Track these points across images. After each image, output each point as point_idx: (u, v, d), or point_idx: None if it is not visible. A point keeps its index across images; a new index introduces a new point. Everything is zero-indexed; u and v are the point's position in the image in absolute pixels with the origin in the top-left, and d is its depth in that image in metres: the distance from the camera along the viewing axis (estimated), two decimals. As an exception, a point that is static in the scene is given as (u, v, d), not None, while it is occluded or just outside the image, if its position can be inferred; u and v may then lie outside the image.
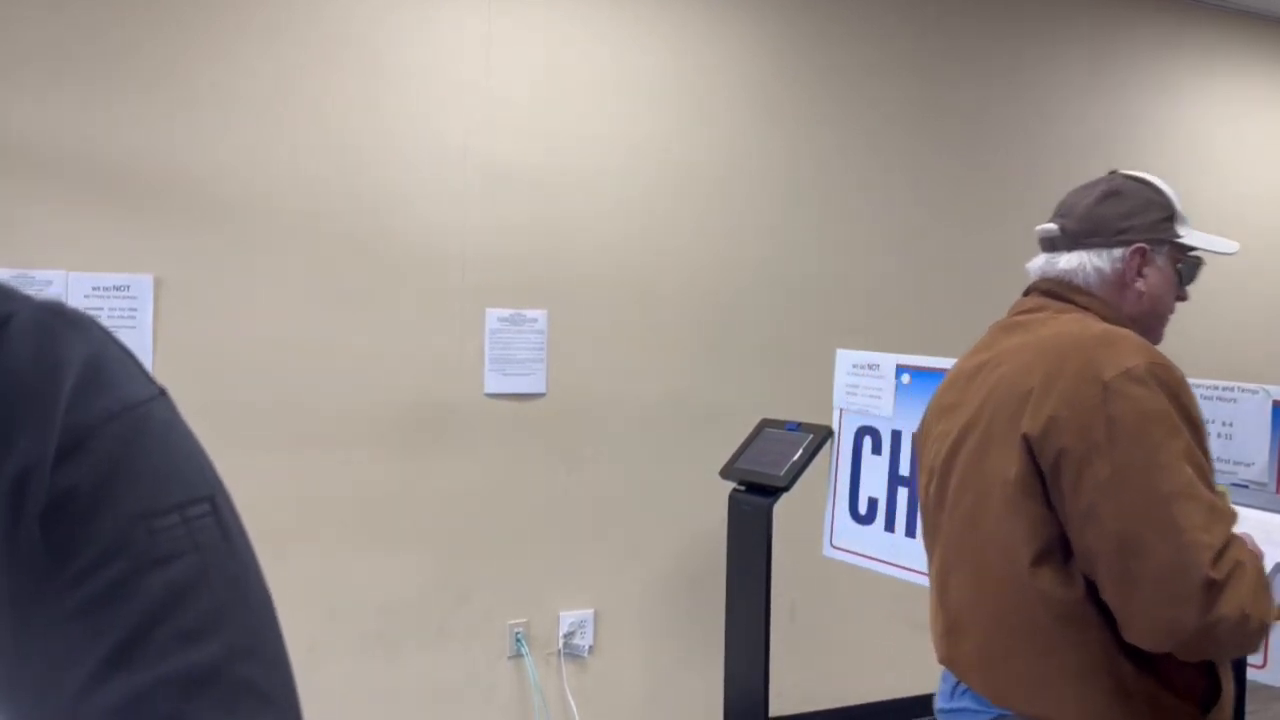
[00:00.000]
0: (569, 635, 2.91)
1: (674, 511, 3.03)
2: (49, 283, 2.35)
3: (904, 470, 2.20)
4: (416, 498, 2.75)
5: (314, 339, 2.64)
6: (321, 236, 2.64)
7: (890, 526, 2.22)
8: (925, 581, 2.15)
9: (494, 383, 2.82)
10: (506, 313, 2.83)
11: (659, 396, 3.02)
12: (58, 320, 0.61)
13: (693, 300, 3.05)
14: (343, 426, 2.66)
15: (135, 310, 2.45)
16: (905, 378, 2.21)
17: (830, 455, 2.36)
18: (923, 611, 3.24)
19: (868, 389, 2.28)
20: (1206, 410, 1.61)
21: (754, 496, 2.37)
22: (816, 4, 3.20)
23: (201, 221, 2.53)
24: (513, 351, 2.83)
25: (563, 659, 2.92)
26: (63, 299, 0.64)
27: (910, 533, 2.18)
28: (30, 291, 0.64)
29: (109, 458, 0.58)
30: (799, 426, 2.43)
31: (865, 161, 3.28)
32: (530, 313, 2.85)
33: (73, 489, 0.56)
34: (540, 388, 2.87)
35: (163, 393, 0.65)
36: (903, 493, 2.20)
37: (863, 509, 2.28)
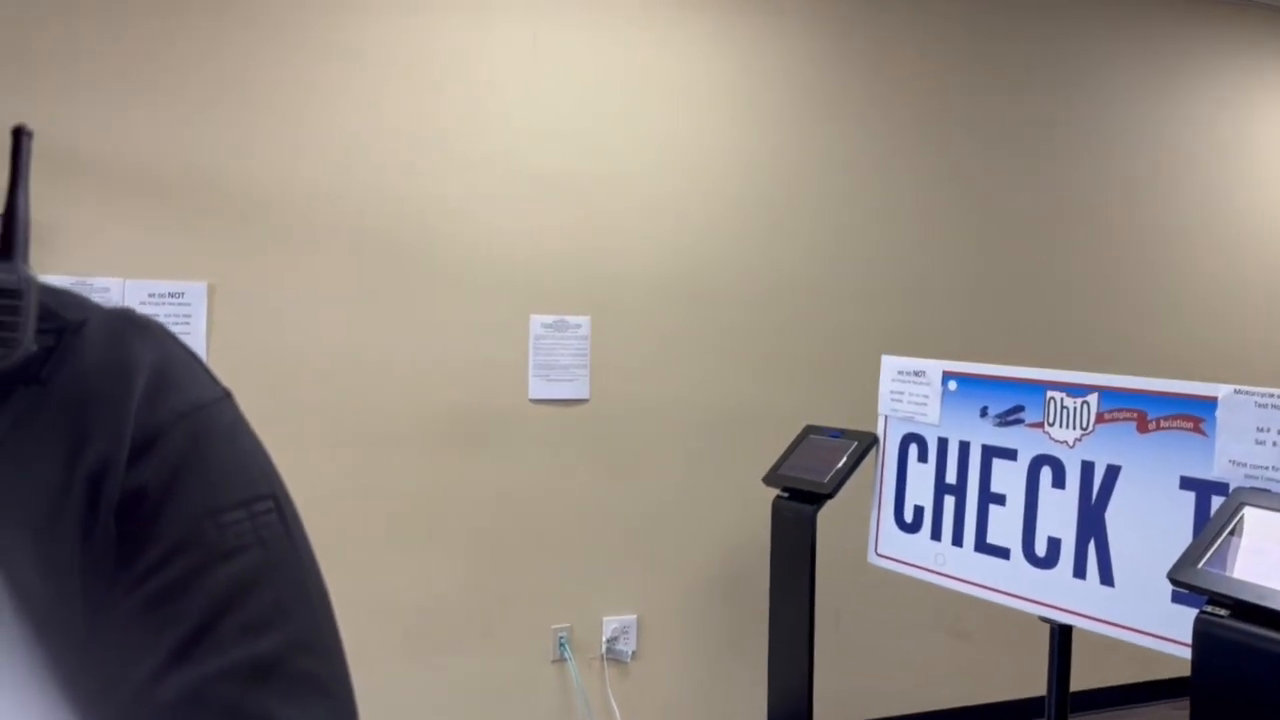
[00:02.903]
0: (612, 640, 2.91)
1: (717, 518, 3.02)
2: (106, 290, 2.41)
3: (951, 478, 2.17)
4: (462, 500, 2.77)
5: (362, 344, 2.67)
6: (370, 244, 2.68)
7: (937, 535, 2.19)
8: (972, 591, 2.14)
9: (538, 388, 2.83)
10: (550, 319, 2.84)
11: (702, 402, 3.01)
12: (128, 326, 0.63)
13: (736, 306, 3.05)
14: (390, 430, 2.70)
15: (189, 316, 2.50)
16: (952, 385, 2.19)
17: (875, 462, 2.34)
18: (968, 619, 3.21)
19: (913, 396, 2.26)
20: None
21: (798, 503, 2.35)
22: (866, 8, 3.18)
23: (253, 230, 2.58)
24: (556, 357, 2.84)
25: (605, 664, 2.92)
26: (120, 305, 0.66)
27: (957, 541, 2.15)
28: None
29: (178, 456, 0.59)
30: (843, 433, 2.42)
31: (915, 166, 3.26)
32: (574, 319, 2.87)
33: (144, 486, 0.58)
34: (584, 393, 2.89)
35: (227, 394, 0.67)
36: (949, 501, 2.18)
37: (908, 517, 2.26)
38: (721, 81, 3.03)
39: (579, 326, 2.87)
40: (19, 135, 0.63)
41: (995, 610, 2.10)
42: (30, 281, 0.60)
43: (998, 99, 3.37)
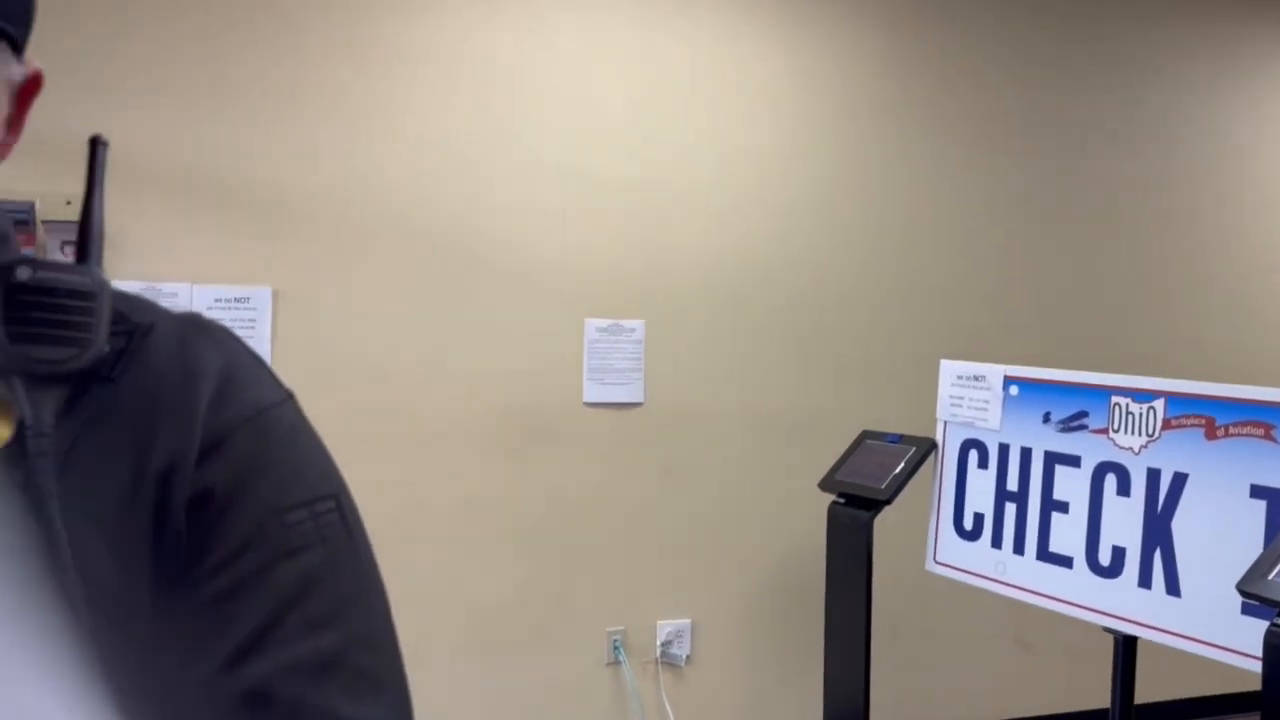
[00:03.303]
0: (666, 644, 2.92)
1: (771, 523, 3.01)
2: (174, 295, 2.48)
3: (1012, 485, 2.14)
4: (517, 503, 2.80)
5: (420, 348, 2.72)
6: (428, 249, 2.72)
7: (997, 543, 2.16)
8: (1034, 600, 2.10)
9: (592, 392, 2.85)
10: (605, 323, 2.86)
11: (757, 406, 3.00)
12: (195, 330, 0.65)
13: (792, 309, 3.03)
14: (446, 432, 2.73)
15: (254, 320, 2.56)
16: (1013, 389, 2.16)
17: (934, 468, 2.31)
18: (1031, 630, 3.16)
19: (973, 401, 2.23)
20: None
21: (854, 509, 2.33)
22: (925, 6, 3.15)
23: (316, 236, 2.64)
24: (611, 361, 2.86)
25: (660, 668, 2.92)
26: (188, 309, 0.68)
27: (1018, 549, 2.11)
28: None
29: (245, 456, 0.61)
30: (901, 438, 2.39)
31: (973, 167, 3.22)
32: (628, 323, 2.88)
33: (212, 486, 0.60)
34: (638, 397, 2.89)
35: (290, 396, 0.68)
36: (1010, 508, 2.14)
37: (968, 524, 2.23)
38: (776, 83, 3.02)
39: (633, 330, 2.88)
40: (95, 145, 0.66)
41: (1057, 620, 2.06)
42: (104, 285, 0.62)
43: (1059, 96, 3.31)
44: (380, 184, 2.69)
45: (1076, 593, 1.99)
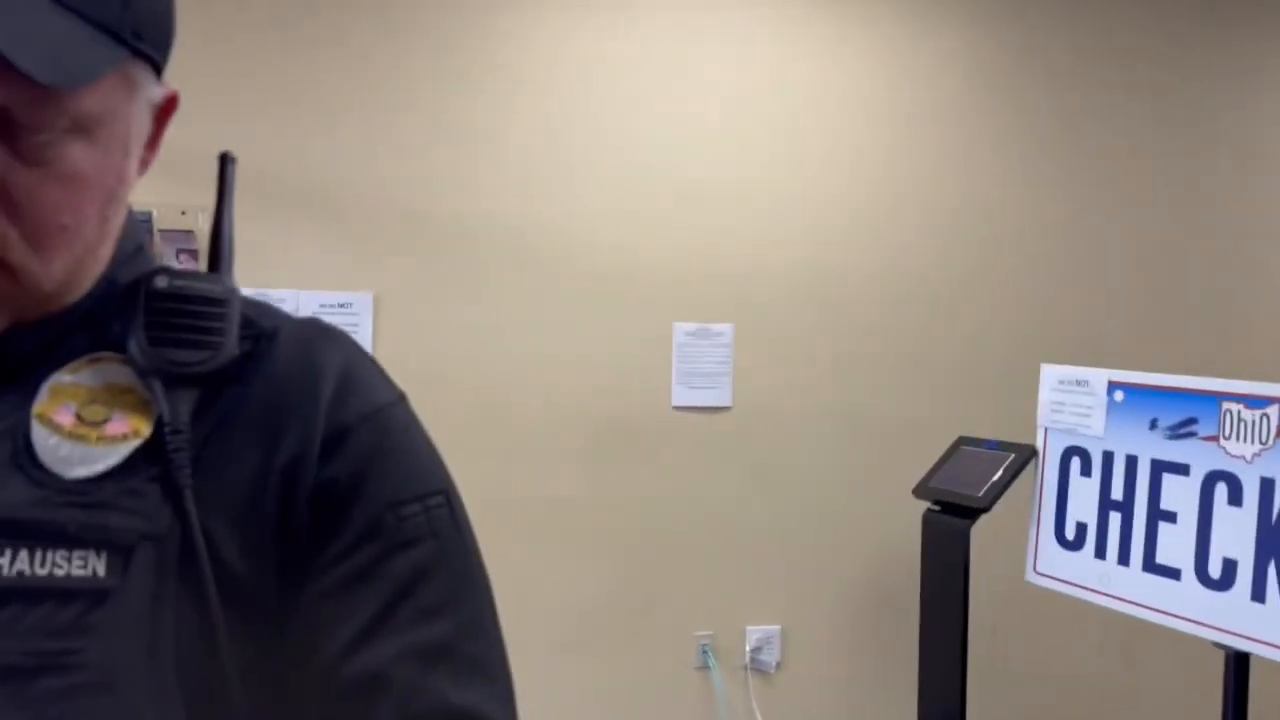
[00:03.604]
0: (755, 650, 2.90)
1: (863, 529, 2.97)
2: (282, 301, 2.58)
3: (1117, 494, 2.07)
4: (605, 505, 2.82)
5: (512, 352, 2.77)
6: (521, 254, 2.77)
7: (1101, 553, 2.09)
8: (1139, 613, 2.03)
9: (681, 395, 2.86)
10: (693, 326, 2.87)
11: (847, 411, 2.97)
12: (316, 333, 0.69)
13: (882, 313, 2.99)
14: (537, 434, 2.78)
15: (357, 325, 2.65)
16: (1118, 395, 2.09)
17: (1034, 476, 2.25)
18: (1137, 644, 3.05)
19: (1075, 406, 2.17)
20: None
21: (950, 517, 2.29)
22: (1026, 6, 3.08)
23: (415, 244, 2.72)
24: (699, 365, 2.86)
25: (749, 674, 2.91)
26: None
27: (1123, 560, 2.05)
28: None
29: (364, 453, 0.64)
30: (999, 445, 2.34)
31: (1076, 167, 3.13)
32: (716, 327, 2.88)
33: (334, 480, 0.63)
34: (726, 401, 2.89)
35: (403, 396, 0.72)
36: (1115, 517, 2.08)
37: (1070, 534, 2.16)
38: (865, 83, 2.98)
39: (721, 334, 2.88)
40: (225, 161, 0.70)
41: (1164, 634, 1.99)
42: (234, 292, 0.66)
43: (1167, 89, 3.19)
44: (475, 191, 2.75)
45: (1185, 606, 1.91)
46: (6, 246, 0.55)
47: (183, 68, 2.47)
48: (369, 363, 0.71)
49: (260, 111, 2.63)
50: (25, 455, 0.56)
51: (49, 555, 0.54)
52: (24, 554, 0.54)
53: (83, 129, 0.56)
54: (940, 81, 3.04)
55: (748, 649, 2.90)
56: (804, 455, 2.95)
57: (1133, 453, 2.05)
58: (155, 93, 0.63)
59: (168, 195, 2.39)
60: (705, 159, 2.88)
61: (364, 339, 2.65)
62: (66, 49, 0.52)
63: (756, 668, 2.91)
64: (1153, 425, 2.01)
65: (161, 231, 2.48)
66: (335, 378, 0.66)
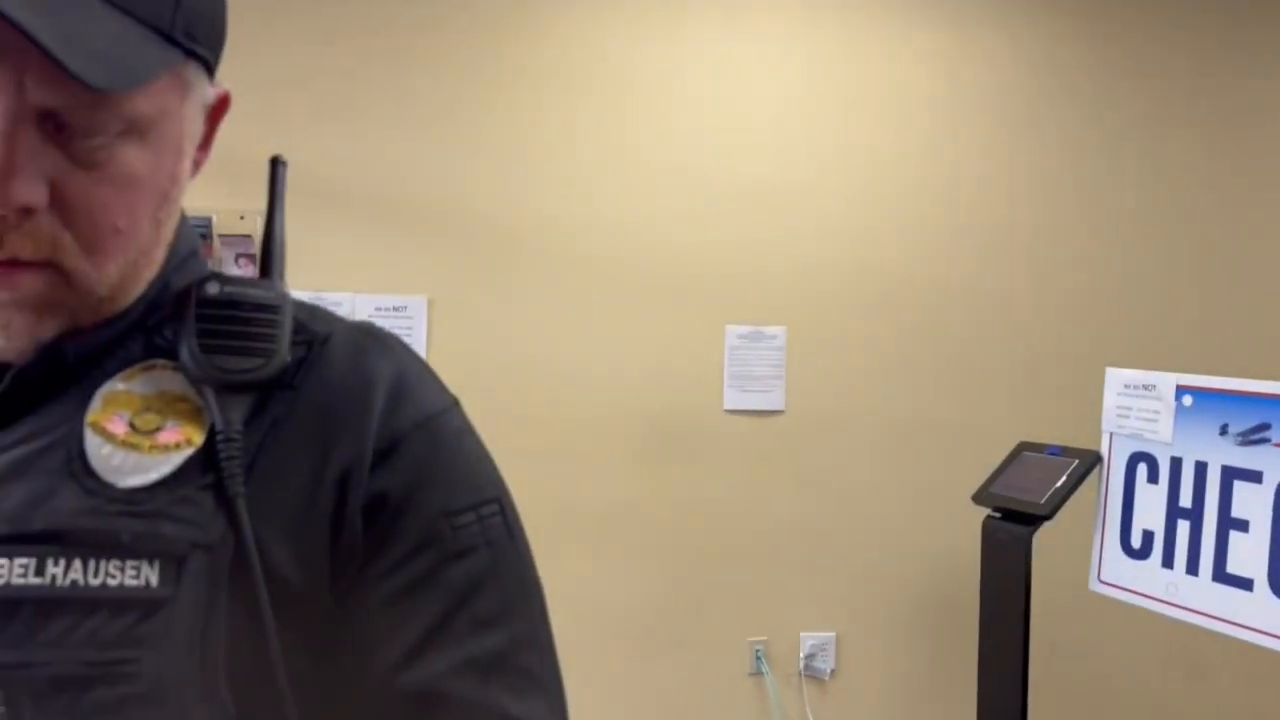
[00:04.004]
0: (810, 657, 2.87)
1: (920, 536, 2.92)
2: (338, 304, 2.60)
3: (1185, 501, 2.01)
4: (659, 509, 2.81)
5: (563, 354, 2.77)
6: (571, 257, 2.77)
7: (1169, 563, 2.03)
8: (1209, 625, 1.96)
9: (733, 399, 2.83)
10: (746, 329, 2.84)
11: (904, 415, 2.92)
12: (369, 339, 0.68)
13: (941, 314, 2.94)
14: (590, 437, 2.77)
15: (411, 328, 2.67)
16: (1187, 399, 2.02)
17: (1098, 483, 2.19)
18: (1206, 657, 2.95)
19: (1142, 411, 2.10)
20: None
21: (1011, 524, 2.24)
22: (1084, 6, 3.00)
23: (469, 247, 2.73)
24: (751, 368, 2.83)
25: (803, 680, 2.88)
26: (351, 318, 0.71)
27: (1192, 570, 1.98)
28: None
29: (416, 462, 0.63)
30: (1062, 450, 2.28)
31: (1143, 167, 3.04)
32: (769, 330, 2.85)
33: (387, 490, 0.62)
34: (779, 404, 2.86)
35: (456, 403, 0.71)
36: (1183, 526, 2.01)
37: (1136, 542, 2.10)
38: (923, 82, 2.93)
39: (775, 337, 2.85)
40: (275, 166, 0.69)
41: (1236, 646, 1.92)
42: (286, 298, 0.65)
43: (1233, 90, 3.09)
44: (529, 194, 2.76)
45: (1257, 617, 1.85)
46: (60, 251, 0.55)
47: (245, 73, 2.50)
48: (422, 369, 0.70)
49: (320, 117, 2.66)
50: (79, 464, 0.56)
51: (102, 565, 0.54)
52: (77, 564, 0.54)
53: (136, 131, 0.56)
54: (998, 81, 2.97)
55: (802, 655, 2.86)
56: (859, 459, 2.90)
57: (1202, 459, 1.98)
58: (208, 93, 0.63)
59: (227, 200, 2.43)
60: (758, 160, 2.85)
61: (418, 342, 2.67)
62: (118, 51, 0.52)
63: (811, 674, 2.87)
64: (1223, 431, 1.95)
65: (221, 236, 2.52)
66: (387, 385, 0.65)
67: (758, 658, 2.84)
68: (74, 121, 0.53)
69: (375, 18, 2.69)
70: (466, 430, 0.70)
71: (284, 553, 0.59)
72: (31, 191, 0.52)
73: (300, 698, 0.58)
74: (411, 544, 0.61)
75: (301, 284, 2.52)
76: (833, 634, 2.89)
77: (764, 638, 2.86)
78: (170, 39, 0.56)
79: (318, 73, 2.66)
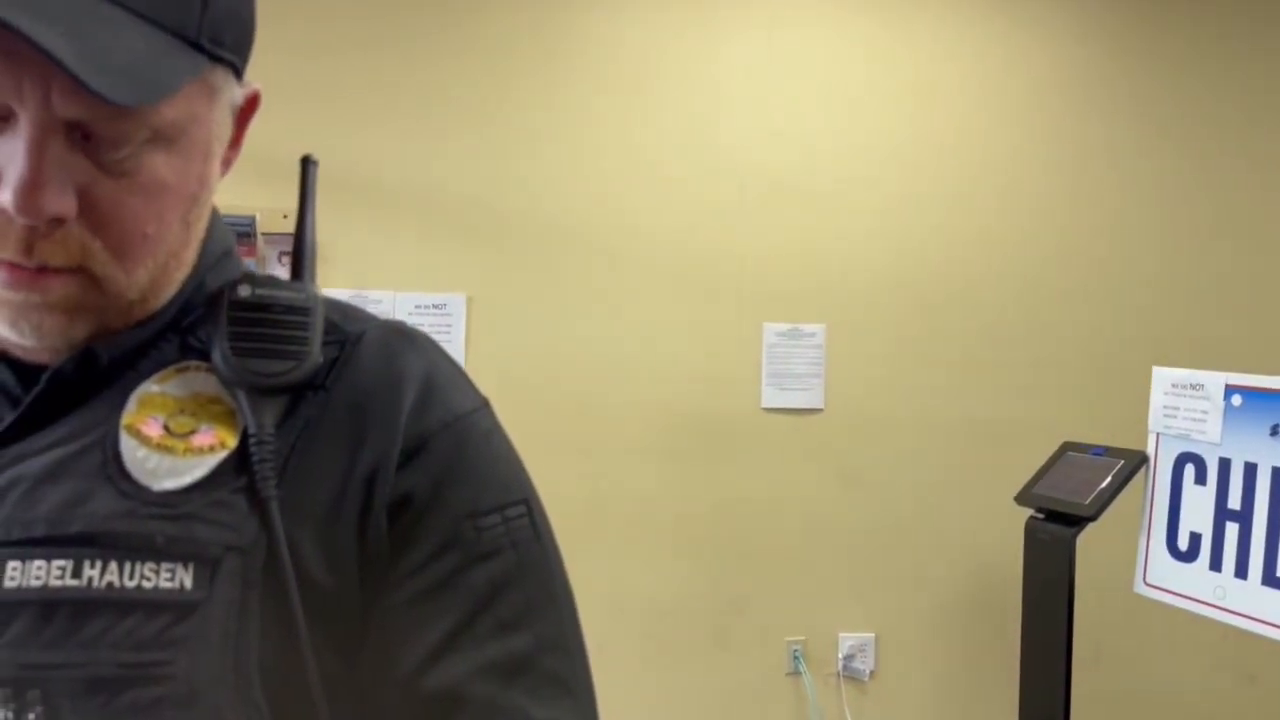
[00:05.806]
0: (848, 657, 2.84)
1: (961, 536, 2.88)
2: (379, 302, 2.63)
3: (1234, 503, 1.96)
4: (696, 507, 2.80)
5: (602, 352, 2.77)
6: (611, 255, 2.77)
7: (1217, 566, 1.98)
8: (1259, 629, 1.91)
9: (771, 397, 2.82)
10: (784, 327, 2.82)
11: (944, 414, 2.88)
12: (399, 338, 0.68)
13: (982, 313, 2.90)
14: (628, 435, 2.77)
15: (450, 326, 2.69)
16: (1236, 399, 1.97)
17: (1144, 484, 2.15)
18: (1257, 661, 2.89)
19: (1190, 411, 2.05)
20: None
21: (1054, 525, 2.20)
22: (1145, 6, 2.95)
23: (508, 245, 2.74)
24: (790, 366, 2.82)
25: (842, 681, 2.86)
26: (391, 316, 0.72)
27: (1240, 573, 1.94)
28: (370, 310, 0.72)
29: (443, 462, 0.63)
30: (1107, 450, 2.24)
31: (1192, 163, 2.97)
32: (808, 327, 2.83)
33: (412, 490, 0.62)
34: (818, 403, 2.84)
35: (486, 403, 0.70)
36: (1232, 528, 1.96)
37: (1183, 544, 2.06)
38: (961, 77, 2.89)
39: (813, 335, 2.83)
40: (306, 164, 0.70)
41: (1288, 653, 1.88)
42: (317, 299, 0.65)
43: (1291, 80, 3.01)
44: (567, 192, 2.76)
45: (1310, 624, 1.80)
46: (90, 258, 0.56)
47: (286, 75, 2.54)
48: (452, 368, 0.70)
49: (363, 119, 2.68)
50: (114, 466, 0.57)
51: (137, 567, 0.55)
52: (113, 565, 0.54)
53: (163, 139, 0.56)
54: (1045, 73, 2.92)
55: (840, 656, 2.84)
56: (899, 459, 2.87)
57: (1252, 460, 1.93)
58: (236, 94, 0.63)
59: (271, 199, 2.45)
60: (797, 157, 2.83)
61: (457, 340, 2.69)
62: (142, 64, 0.52)
63: (849, 675, 2.85)
64: (1274, 431, 1.91)
65: (264, 235, 2.55)
66: (417, 385, 0.65)
67: (795, 658, 2.83)
68: (101, 132, 0.54)
69: (415, 21, 2.71)
70: (495, 431, 0.69)
71: (316, 554, 0.59)
72: (61, 202, 0.53)
73: (332, 698, 0.58)
74: (435, 545, 0.61)
75: (342, 282, 2.56)
76: (872, 635, 2.87)
77: (802, 637, 2.84)
78: (197, 46, 0.56)
79: (360, 75, 2.69)
